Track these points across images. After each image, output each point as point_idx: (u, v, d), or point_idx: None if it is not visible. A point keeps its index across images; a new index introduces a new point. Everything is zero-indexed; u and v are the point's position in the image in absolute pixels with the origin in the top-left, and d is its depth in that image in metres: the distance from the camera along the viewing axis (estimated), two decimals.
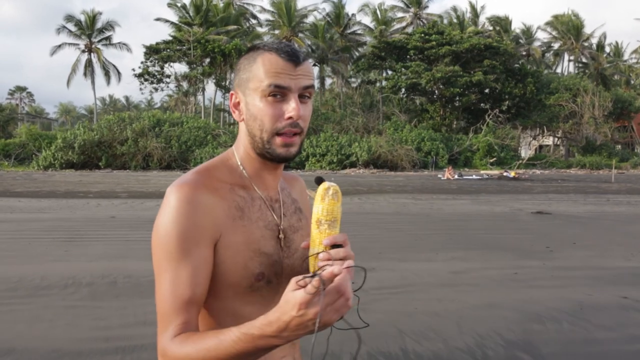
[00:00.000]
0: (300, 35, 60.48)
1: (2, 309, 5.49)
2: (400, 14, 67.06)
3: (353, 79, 65.49)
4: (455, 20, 65.19)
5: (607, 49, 75.29)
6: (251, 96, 1.24)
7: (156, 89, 53.43)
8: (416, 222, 12.79)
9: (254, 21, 64.80)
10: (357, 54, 65.16)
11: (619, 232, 11.36)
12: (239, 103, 1.28)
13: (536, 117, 55.26)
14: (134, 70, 54.20)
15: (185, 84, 52.98)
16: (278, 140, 1.23)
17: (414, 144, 47.20)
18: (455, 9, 66.27)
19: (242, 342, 1.07)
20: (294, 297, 1.02)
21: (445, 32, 55.49)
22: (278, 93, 1.20)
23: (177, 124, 44.93)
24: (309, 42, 60.31)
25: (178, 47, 50.79)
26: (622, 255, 8.73)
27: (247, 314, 1.22)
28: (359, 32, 66.38)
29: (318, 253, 1.17)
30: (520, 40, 67.66)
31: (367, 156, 44.56)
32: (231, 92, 1.30)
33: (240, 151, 1.33)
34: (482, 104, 57.15)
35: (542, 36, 77.19)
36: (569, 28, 66.72)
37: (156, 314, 1.21)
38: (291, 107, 1.20)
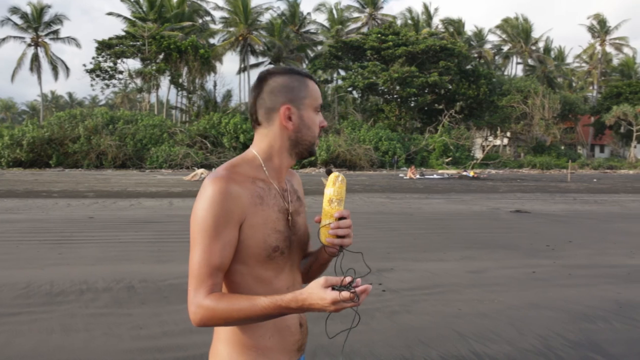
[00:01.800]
0: (256, 33, 59.88)
1: (24, 318, 5.08)
2: (355, 14, 67.37)
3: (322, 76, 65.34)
4: (410, 22, 65.94)
5: (552, 53, 77.86)
6: (307, 110, 1.61)
7: (108, 85, 51.78)
8: (405, 221, 12.75)
9: (207, 18, 63.82)
10: (312, 53, 65.08)
11: (605, 231, 11.61)
12: (291, 116, 1.60)
13: (489, 117, 56.55)
14: (85, 65, 52.41)
15: (139, 81, 51.56)
16: (317, 142, 1.66)
17: (372, 144, 47.44)
18: (410, 10, 67.07)
19: (270, 308, 1.40)
20: (326, 294, 1.36)
21: (401, 33, 56.05)
22: (318, 110, 1.64)
23: (132, 122, 43.69)
24: (265, 40, 59.77)
25: (132, 43, 49.39)
26: (622, 254, 8.89)
27: (266, 277, 1.57)
28: (314, 31, 66.35)
29: (330, 223, 1.55)
30: (472, 43, 69.08)
31: (326, 155, 44.49)
32: (286, 105, 1.58)
33: (268, 153, 1.62)
34: (436, 105, 58.02)
35: (492, 39, 79.09)
36: (518, 32, 68.57)
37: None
38: (323, 119, 1.67)
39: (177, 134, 43.78)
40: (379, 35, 55.39)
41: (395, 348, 4.45)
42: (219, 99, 53.98)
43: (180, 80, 51.91)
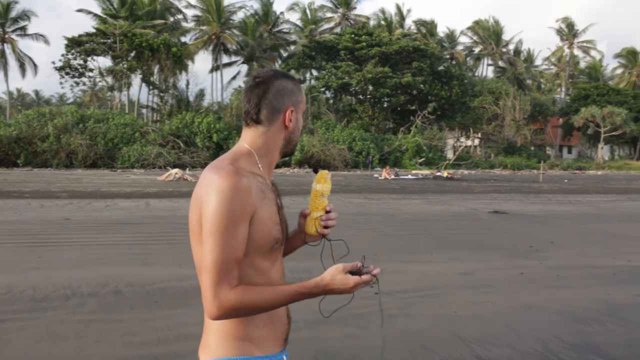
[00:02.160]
0: (229, 32, 59.41)
1: (10, 325, 4.88)
2: (329, 14, 67.41)
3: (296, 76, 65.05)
4: (383, 23, 66.21)
5: (521, 56, 79.04)
6: (300, 114, 1.73)
7: (78, 83, 50.73)
8: (386, 222, 12.73)
9: (179, 16, 63.07)
10: (285, 53, 64.90)
11: (583, 231, 11.77)
12: (291, 117, 1.70)
13: (461, 118, 57.13)
14: (54, 63, 51.25)
15: (109, 79, 50.66)
16: (298, 141, 1.77)
17: (346, 144, 47.49)
18: (383, 11, 67.36)
19: (294, 295, 1.53)
20: (349, 279, 1.53)
21: (374, 34, 56.26)
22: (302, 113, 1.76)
23: (103, 121, 42.91)
24: (238, 40, 59.34)
25: (102, 40, 48.45)
26: (604, 254, 8.99)
27: (264, 267, 1.63)
28: (287, 30, 66.17)
29: (321, 216, 1.74)
30: (445, 44, 69.72)
31: (300, 155, 44.41)
32: (290, 108, 1.69)
33: (264, 150, 1.69)
34: (409, 105, 58.33)
35: (464, 40, 79.96)
36: (490, 34, 69.44)
37: (201, 297, 1.53)
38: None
39: (149, 133, 43.15)
40: (353, 35, 55.51)
41: (398, 352, 4.39)
42: (191, 98, 53.39)
43: (152, 79, 51.17)
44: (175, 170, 28.07)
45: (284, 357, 1.71)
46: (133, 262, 7.69)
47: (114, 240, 9.46)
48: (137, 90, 55.95)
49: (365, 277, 1.53)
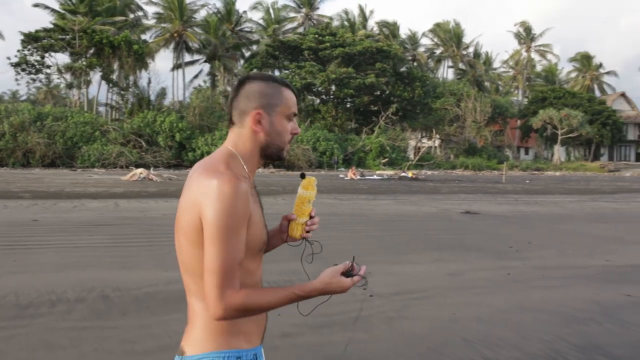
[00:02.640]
0: (191, 30, 58.62)
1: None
2: (292, 14, 67.28)
3: None
4: (346, 23, 66.43)
5: (480, 58, 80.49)
6: (278, 117, 1.69)
7: (34, 80, 49.23)
8: (363, 223, 12.72)
9: (140, 13, 61.87)
10: (248, 52, 64.44)
11: (557, 231, 11.98)
12: (261, 120, 1.68)
13: (423, 119, 57.79)
14: (9, 59, 49.53)
15: (68, 76, 49.28)
16: (287, 147, 1.74)
17: (310, 144, 47.46)
18: (346, 12, 67.60)
19: (295, 297, 1.60)
20: (344, 282, 1.64)
21: (338, 34, 56.42)
22: (291, 117, 1.73)
23: (62, 119, 41.74)
24: (201, 38, 58.62)
25: (61, 36, 47.10)
26: (582, 254, 9.16)
27: (252, 268, 1.66)
28: (250, 30, 65.70)
29: (306, 221, 1.81)
30: (407, 46, 70.41)
31: None
32: (257, 111, 1.67)
33: (244, 153, 1.70)
34: (372, 106, 58.66)
35: (425, 42, 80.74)
36: (451, 36, 70.48)
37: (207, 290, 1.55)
38: (296, 127, 1.76)
39: (110, 132, 42.22)
40: (316, 35, 55.56)
41: (407, 356, 4.34)
42: (152, 97, 52.40)
43: (113, 77, 50.04)
44: (140, 170, 27.50)
45: (262, 349, 1.78)
46: (114, 265, 7.44)
47: (90, 242, 9.15)
48: (97, 88, 54.59)
49: (356, 278, 1.64)
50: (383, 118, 52.12)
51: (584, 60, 79.52)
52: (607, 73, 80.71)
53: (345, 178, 33.79)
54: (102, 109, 58.73)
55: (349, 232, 11.11)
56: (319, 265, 1.83)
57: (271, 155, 1.73)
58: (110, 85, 51.35)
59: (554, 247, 9.76)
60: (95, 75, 50.99)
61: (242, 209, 1.55)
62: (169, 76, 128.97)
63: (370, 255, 8.54)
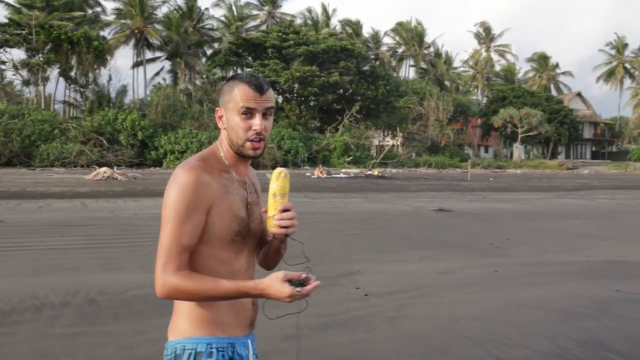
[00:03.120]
0: (151, 26, 57.48)
1: None
2: (255, 12, 66.75)
3: (210, 75, 63.79)
4: (309, 22, 66.30)
5: (441, 58, 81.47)
6: (231, 113, 1.73)
7: None
8: (339, 221, 12.63)
9: (98, 9, 60.39)
10: (210, 49, 63.63)
11: (532, 228, 12.13)
12: (221, 117, 1.77)
13: (386, 118, 58.14)
14: None
15: (24, 73, 47.72)
16: (248, 144, 1.72)
17: (275, 142, 47.19)
18: (309, 10, 67.47)
19: (232, 292, 1.59)
20: (284, 288, 1.56)
21: (301, 33, 56.27)
22: (248, 112, 1.71)
23: (18, 116, 40.43)
24: (162, 35, 57.53)
25: (16, 31, 45.58)
26: (562, 251, 9.28)
27: (226, 258, 1.72)
28: (213, 27, 64.88)
29: (274, 215, 1.72)
30: (369, 44, 70.74)
31: None
32: (217, 108, 1.79)
33: (223, 148, 1.79)
34: (335, 104, 58.70)
35: (388, 41, 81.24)
36: (413, 35, 71.12)
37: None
38: (256, 123, 1.72)
39: (69, 130, 41.09)
40: (280, 33, 55.27)
41: (415, 356, 4.26)
42: (113, 94, 51.27)
43: (71, 74, 48.70)
44: (104, 169, 26.82)
45: (249, 341, 1.83)
46: (95, 267, 7.16)
47: (65, 244, 8.81)
48: (54, 84, 53.06)
49: (302, 291, 1.57)
50: (347, 116, 52.19)
51: (541, 61, 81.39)
52: (563, 73, 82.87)
53: (313, 176, 33.69)
54: (59, 106, 57.08)
55: (328, 230, 11.01)
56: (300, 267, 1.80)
57: (236, 151, 1.76)
58: (69, 82, 49.98)
59: (532, 244, 9.85)
60: (53, 72, 49.56)
61: (195, 197, 1.64)
62: (129, 74, 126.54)
63: (356, 254, 8.46)
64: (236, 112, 1.72)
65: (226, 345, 1.73)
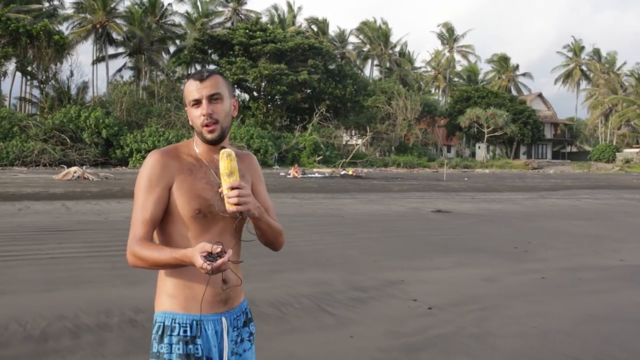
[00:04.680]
0: (113, 22, 55.64)
1: None
2: (220, 8, 65.50)
3: (170, 72, 62.25)
4: (276, 19, 65.50)
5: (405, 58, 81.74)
6: (188, 108, 1.95)
7: None
8: (345, 224, 12.10)
9: (56, 2, 58.10)
10: (173, 46, 62.12)
11: (542, 230, 11.83)
12: (186, 112, 1.98)
13: (355, 117, 57.85)
14: None
15: None
16: (204, 130, 1.91)
17: (244, 141, 46.31)
18: (276, 8, 66.65)
19: (170, 259, 1.74)
20: (197, 260, 1.65)
21: (268, 30, 55.48)
22: (195, 103, 1.91)
23: None
24: (124, 30, 55.77)
25: None
26: (589, 253, 8.98)
27: (189, 236, 1.88)
28: (177, 23, 63.36)
29: (226, 194, 1.80)
30: (335, 43, 70.35)
31: None
32: (185, 109, 1.99)
33: (196, 139, 1.98)
34: (302, 103, 58.07)
35: (354, 40, 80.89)
36: (378, 35, 71.08)
37: None
38: (203, 108, 1.90)
39: (30, 128, 39.31)
40: (247, 30, 54.33)
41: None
42: (74, 91, 49.38)
43: (30, 69, 46.67)
44: (74, 168, 25.57)
45: (223, 318, 1.92)
46: (112, 280, 6.43)
47: (65, 252, 8.00)
48: (10, 80, 50.58)
49: (204, 266, 1.62)
50: (317, 115, 51.67)
51: (502, 62, 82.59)
52: (523, 74, 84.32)
53: (289, 176, 33.02)
54: (14, 102, 54.62)
55: (338, 234, 10.46)
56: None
57: (201, 140, 1.93)
58: (28, 77, 47.90)
59: (555, 247, 9.52)
60: (10, 67, 47.41)
61: (155, 174, 1.85)
62: (88, 70, 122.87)
63: (385, 261, 7.94)
64: (189, 106, 1.92)
65: (190, 321, 1.87)
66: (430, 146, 73.76)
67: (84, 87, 50.82)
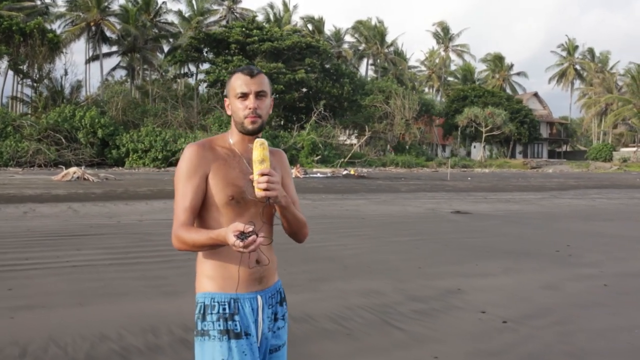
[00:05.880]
0: (109, 19, 54.86)
1: None
2: (215, 7, 64.79)
3: (163, 72, 61.49)
4: (271, 18, 64.89)
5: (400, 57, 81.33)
6: (232, 99, 2.09)
7: None
8: (368, 226, 11.60)
9: (48, 0, 57.15)
10: (168, 45, 61.34)
11: (573, 232, 11.38)
12: (228, 105, 2.11)
13: (352, 116, 57.32)
14: None
15: None
16: (247, 120, 2.04)
17: None
18: (272, 6, 66.01)
19: (208, 239, 1.86)
20: (229, 238, 1.75)
21: (265, 29, 54.85)
22: (242, 96, 2.05)
23: None
24: (119, 28, 54.98)
25: None
26: (636, 258, 8.54)
27: (223, 220, 2.01)
28: (171, 22, 62.58)
29: (256, 180, 1.89)
30: (331, 42, 69.81)
31: None
32: (225, 98, 2.14)
33: (231, 130, 2.14)
34: (298, 103, 57.46)
35: (350, 39, 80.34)
36: (374, 34, 70.63)
37: None
38: (250, 102, 2.04)
39: (24, 128, 38.51)
40: (243, 29, 53.65)
41: None
42: (68, 90, 48.55)
43: (23, 67, 45.81)
44: (74, 169, 24.88)
45: (259, 296, 2.06)
46: (148, 291, 5.89)
47: (88, 259, 7.43)
48: (2, 79, 49.64)
49: (237, 243, 1.73)
50: (315, 114, 51.12)
51: (496, 61, 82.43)
52: (518, 74, 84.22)
53: (291, 176, 32.43)
54: (5, 101, 53.67)
55: (367, 238, 9.97)
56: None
57: (242, 131, 2.07)
58: (21, 76, 47.04)
59: (596, 250, 9.07)
60: (2, 65, 46.52)
61: (192, 164, 2.01)
62: (82, 69, 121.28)
63: (429, 267, 7.44)
64: (235, 97, 2.06)
65: (228, 299, 2.00)
66: (425, 145, 73.53)
67: (77, 86, 49.98)
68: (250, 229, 1.74)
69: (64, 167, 28.73)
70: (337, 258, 7.97)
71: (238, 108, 2.04)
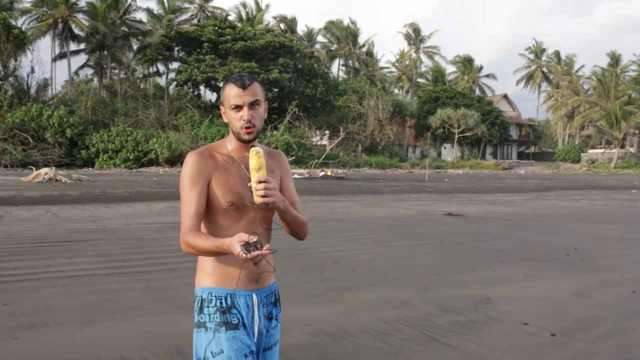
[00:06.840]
0: (77, 16, 53.35)
1: None
2: (186, 4, 63.69)
3: (137, 70, 60.24)
4: (244, 17, 64.15)
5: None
6: (227, 109, 2.14)
7: None
8: (367, 230, 11.24)
9: None
10: (137, 43, 60.04)
11: (574, 234, 11.22)
12: (224, 113, 2.17)
13: (326, 117, 56.95)
14: None
15: None
16: (243, 131, 2.11)
17: (215, 141, 44.82)
18: (244, 5, 65.23)
19: (214, 246, 1.92)
20: (235, 248, 1.81)
21: (238, 28, 54.13)
22: (237, 107, 2.10)
23: None
24: (87, 24, 53.51)
25: None
26: None
27: (224, 224, 2.11)
28: (140, 20, 61.29)
29: (253, 187, 1.97)
30: (304, 42, 69.35)
31: (169, 153, 41.23)
32: (220, 106, 2.17)
33: (229, 137, 2.20)
34: (272, 103, 56.82)
35: (322, 40, 79.91)
36: (347, 34, 70.44)
37: None
38: (244, 114, 2.10)
39: None
40: (216, 28, 52.84)
41: None
42: (34, 88, 47.02)
43: None
44: (45, 170, 23.91)
45: (254, 295, 2.14)
46: (158, 305, 5.39)
47: (82, 267, 6.87)
48: None
49: (242, 254, 1.79)
50: (289, 115, 50.63)
51: (466, 63, 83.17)
52: (487, 76, 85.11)
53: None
54: None
55: (371, 242, 9.60)
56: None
57: (239, 139, 2.13)
58: None
59: (608, 254, 8.89)
60: None
61: (194, 171, 2.08)
62: (49, 67, 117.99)
63: (447, 274, 7.11)
64: (229, 108, 2.11)
65: (225, 294, 2.10)
66: (397, 147, 73.66)
67: (44, 85, 48.47)
68: (255, 239, 1.81)
69: (34, 168, 27.67)
70: (347, 264, 7.58)
71: (233, 119, 2.11)
